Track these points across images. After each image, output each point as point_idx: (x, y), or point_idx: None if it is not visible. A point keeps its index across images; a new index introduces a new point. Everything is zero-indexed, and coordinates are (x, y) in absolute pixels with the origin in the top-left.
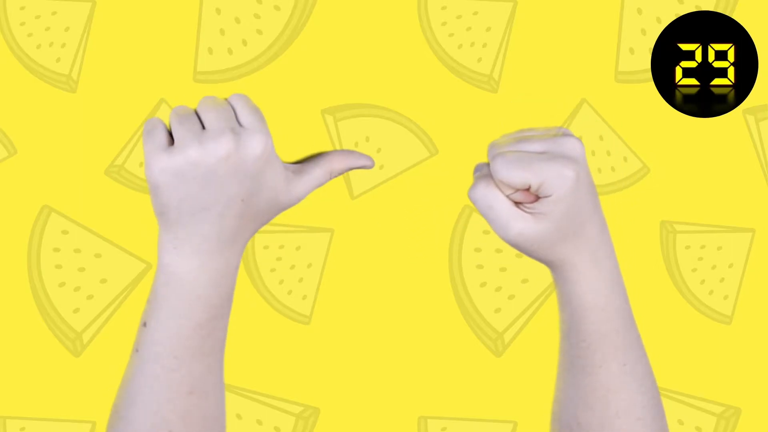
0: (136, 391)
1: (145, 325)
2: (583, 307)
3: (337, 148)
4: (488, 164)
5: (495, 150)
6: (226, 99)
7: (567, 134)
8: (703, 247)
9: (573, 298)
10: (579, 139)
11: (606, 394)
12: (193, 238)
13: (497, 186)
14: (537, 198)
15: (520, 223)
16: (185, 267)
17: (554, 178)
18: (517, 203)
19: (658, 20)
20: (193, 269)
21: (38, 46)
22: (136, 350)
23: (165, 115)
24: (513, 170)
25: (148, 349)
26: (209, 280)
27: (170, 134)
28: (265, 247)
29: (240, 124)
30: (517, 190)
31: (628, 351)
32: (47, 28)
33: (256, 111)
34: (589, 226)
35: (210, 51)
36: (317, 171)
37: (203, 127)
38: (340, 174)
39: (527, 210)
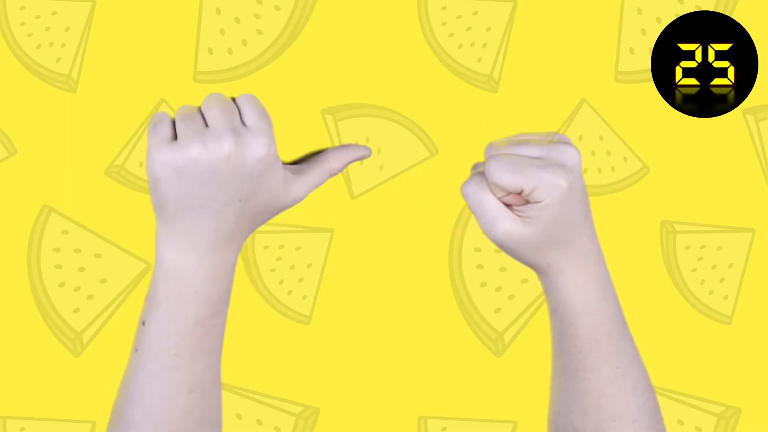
0: (135, 391)
1: (143, 323)
2: (573, 313)
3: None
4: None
5: (492, 151)
6: (233, 98)
7: (565, 141)
8: (703, 247)
9: (562, 303)
10: (576, 148)
11: (599, 397)
12: (190, 234)
13: (489, 186)
14: (527, 202)
15: (508, 224)
16: (183, 262)
17: (546, 186)
18: (507, 205)
19: (658, 20)
20: (191, 265)
21: (38, 46)
22: (135, 349)
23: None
24: (506, 173)
25: (148, 347)
26: (207, 276)
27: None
28: (265, 247)
29: (244, 125)
30: (509, 193)
31: (621, 354)
32: (47, 28)
33: (263, 113)
34: (578, 234)
35: (210, 51)
36: (316, 171)
37: (206, 125)
38: (339, 172)
39: (516, 212)
